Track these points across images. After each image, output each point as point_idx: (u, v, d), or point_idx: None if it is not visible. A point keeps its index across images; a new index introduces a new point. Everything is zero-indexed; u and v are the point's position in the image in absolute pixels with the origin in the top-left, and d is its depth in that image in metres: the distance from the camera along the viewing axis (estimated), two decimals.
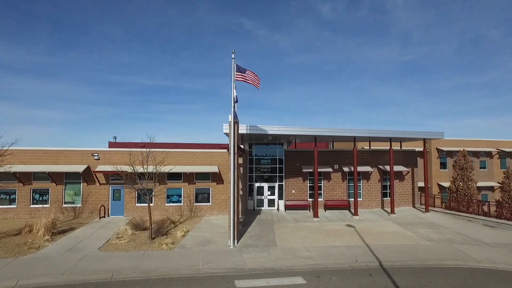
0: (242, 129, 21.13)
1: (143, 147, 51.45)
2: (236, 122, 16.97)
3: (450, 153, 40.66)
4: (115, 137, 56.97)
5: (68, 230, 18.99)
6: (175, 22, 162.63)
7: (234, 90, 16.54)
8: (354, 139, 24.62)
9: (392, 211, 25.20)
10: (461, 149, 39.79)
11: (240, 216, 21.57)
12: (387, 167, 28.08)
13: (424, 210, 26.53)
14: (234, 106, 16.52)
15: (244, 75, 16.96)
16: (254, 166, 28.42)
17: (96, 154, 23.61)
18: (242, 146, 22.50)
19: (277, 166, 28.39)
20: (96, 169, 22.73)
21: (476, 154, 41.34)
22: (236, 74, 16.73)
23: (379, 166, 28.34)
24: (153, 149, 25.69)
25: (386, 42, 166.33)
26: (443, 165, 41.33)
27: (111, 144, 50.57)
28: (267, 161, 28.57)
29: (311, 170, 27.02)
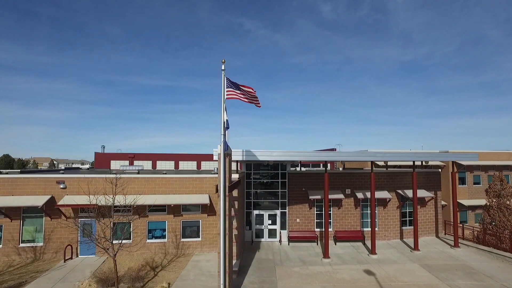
0: (237, 155, 17.24)
1: (132, 158, 47.56)
2: (227, 155, 13.02)
3: (470, 168, 36.76)
4: (103, 146, 53.16)
5: (14, 287, 14.98)
6: (175, 22, 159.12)
7: (225, 112, 12.56)
8: (372, 164, 20.65)
9: (416, 247, 21.23)
10: (486, 164, 35.96)
11: (234, 262, 17.64)
12: (407, 192, 24.12)
13: (452, 244, 22.57)
14: (224, 134, 12.55)
15: (239, 91, 13.00)
16: (252, 190, 24.45)
17: (62, 182, 19.64)
18: (237, 176, 18.58)
19: (279, 190, 24.42)
20: (59, 203, 18.74)
21: (497, 168, 37.49)
22: (227, 91, 12.77)
23: (398, 191, 24.37)
24: (131, 173, 21.73)
25: (387, 42, 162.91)
26: (461, 181, 37.47)
27: (98, 156, 46.63)
28: (267, 185, 24.60)
29: (319, 197, 23.08)
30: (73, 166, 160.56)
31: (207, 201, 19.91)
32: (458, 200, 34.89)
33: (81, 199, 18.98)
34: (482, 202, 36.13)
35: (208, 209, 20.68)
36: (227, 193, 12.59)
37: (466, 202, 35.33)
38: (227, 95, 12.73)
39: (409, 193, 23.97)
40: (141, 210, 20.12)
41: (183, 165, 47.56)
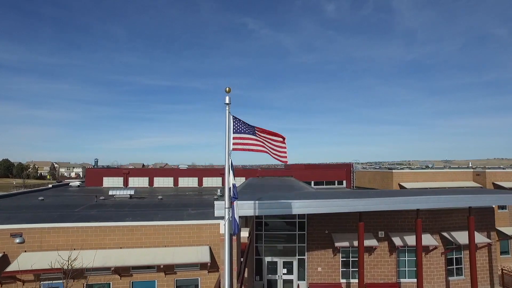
0: (247, 210, 12.82)
1: (127, 174, 43.22)
2: (235, 236, 8.53)
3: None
4: (96, 160, 48.93)
5: None
6: (178, 22, 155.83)
7: (230, 172, 8.06)
8: (418, 213, 16.03)
9: None
10: None
11: None
12: (454, 234, 19.51)
13: None
14: (229, 208, 8.05)
15: (252, 137, 8.47)
16: (263, 232, 19.97)
17: (19, 235, 15.25)
18: (247, 234, 14.16)
19: (297, 233, 19.90)
20: (9, 268, 14.31)
21: None
22: (233, 138, 8.26)
23: (442, 233, 19.75)
24: (110, 223, 17.26)
25: (390, 41, 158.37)
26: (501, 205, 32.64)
27: (89, 172, 42.32)
28: (282, 226, 20.12)
29: (346, 244, 18.57)
30: (71, 175, 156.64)
31: (207, 259, 15.42)
32: (497, 228, 30.19)
33: (45, 258, 14.67)
34: None
35: (209, 265, 16.20)
36: None
37: (507, 230, 30.63)
38: (233, 143, 8.22)
39: (457, 235, 19.38)
40: (123, 268, 15.71)
41: (183, 182, 43.09)
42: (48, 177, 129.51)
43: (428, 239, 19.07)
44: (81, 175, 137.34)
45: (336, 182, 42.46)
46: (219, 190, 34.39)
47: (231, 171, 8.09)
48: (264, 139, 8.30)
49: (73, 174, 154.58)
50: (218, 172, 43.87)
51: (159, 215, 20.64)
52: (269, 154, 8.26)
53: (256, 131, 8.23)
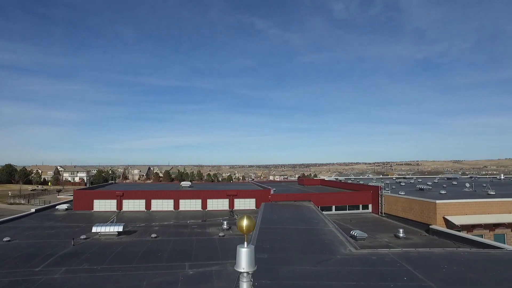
0: None
1: (120, 197, 38.07)
2: None
3: None
4: (89, 177, 43.76)
5: None
6: (187, 22, 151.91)
7: None
8: None
9: None
10: None
11: None
12: None
13: None
14: None
15: None
16: None
17: None
18: None
19: None
20: None
21: None
22: None
23: None
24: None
25: (400, 39, 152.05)
26: None
27: (77, 194, 37.22)
28: None
29: None
30: (75, 180, 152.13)
31: None
32: None
33: None
34: None
35: None
36: None
37: None
38: None
39: None
40: None
41: (185, 204, 37.79)
42: (49, 184, 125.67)
43: None
44: (85, 180, 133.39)
45: (360, 206, 36.82)
46: (225, 222, 28.97)
47: None
48: None
49: (77, 179, 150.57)
50: (224, 193, 38.53)
51: (144, 283, 15.38)
52: None
53: None
